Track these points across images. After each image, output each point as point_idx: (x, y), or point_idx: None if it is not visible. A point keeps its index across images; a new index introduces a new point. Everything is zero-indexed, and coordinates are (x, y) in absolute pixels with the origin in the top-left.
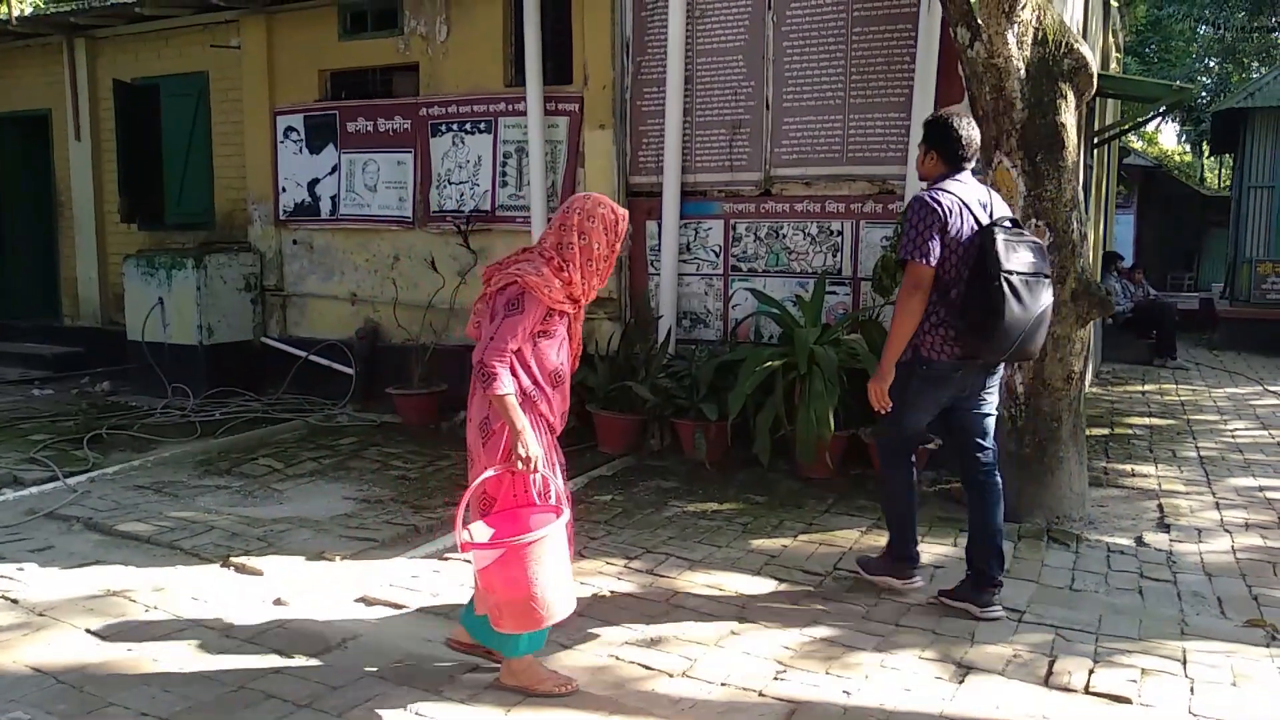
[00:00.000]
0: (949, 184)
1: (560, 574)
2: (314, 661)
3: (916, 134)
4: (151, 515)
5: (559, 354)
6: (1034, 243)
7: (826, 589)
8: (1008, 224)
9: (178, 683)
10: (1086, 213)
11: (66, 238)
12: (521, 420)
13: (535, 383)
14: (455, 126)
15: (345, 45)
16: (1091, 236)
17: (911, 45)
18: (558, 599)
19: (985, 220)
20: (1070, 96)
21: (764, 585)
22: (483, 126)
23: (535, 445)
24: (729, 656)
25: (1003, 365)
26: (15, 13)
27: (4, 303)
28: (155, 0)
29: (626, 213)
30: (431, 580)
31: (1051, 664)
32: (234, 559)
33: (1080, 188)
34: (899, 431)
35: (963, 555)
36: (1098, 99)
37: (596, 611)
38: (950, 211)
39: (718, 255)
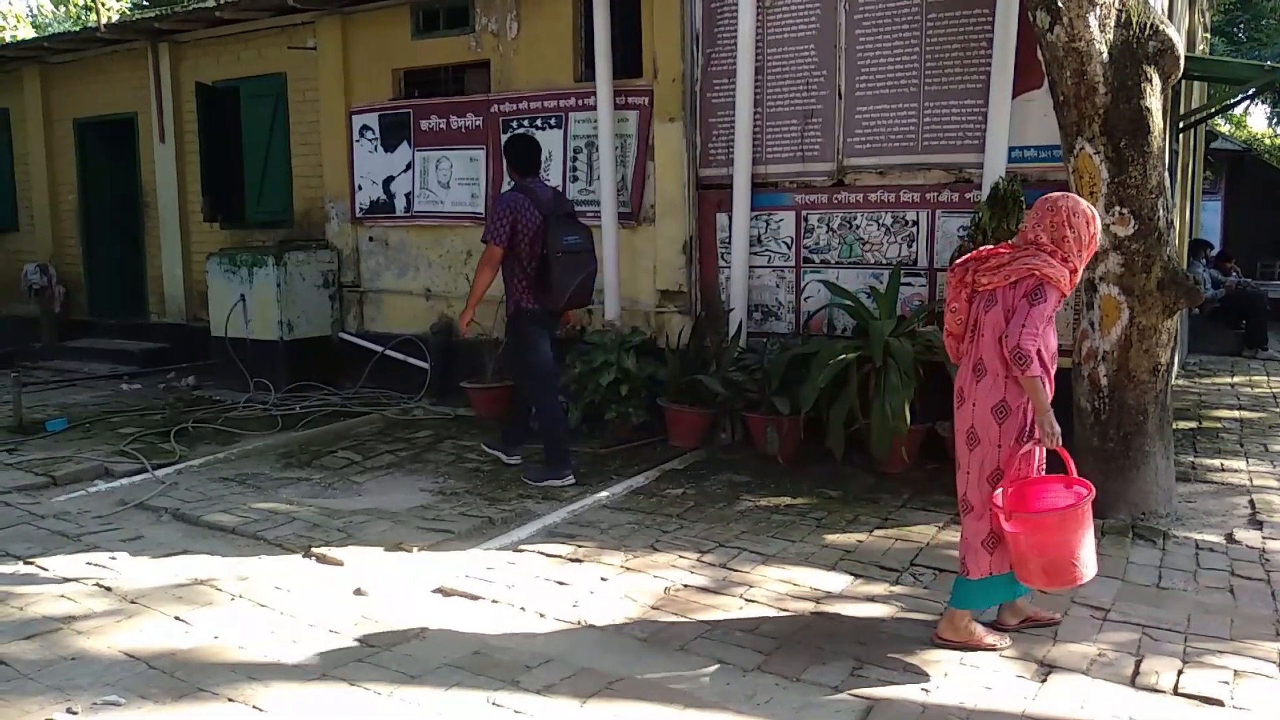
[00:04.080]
0: (523, 186)
1: (1091, 538)
2: (393, 651)
3: (995, 121)
4: (236, 506)
5: (1055, 338)
6: (583, 229)
7: (904, 585)
8: (563, 216)
9: (262, 670)
10: (1172, 199)
11: (152, 237)
12: (1047, 400)
13: (1043, 364)
14: (526, 122)
15: (418, 44)
16: (1177, 224)
17: (988, 30)
18: (1091, 560)
19: (548, 213)
20: (1155, 80)
21: (839, 581)
22: (553, 122)
23: (1056, 423)
24: (804, 651)
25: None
26: (103, 20)
27: (94, 301)
28: (234, 4)
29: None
30: (507, 572)
31: (1138, 664)
32: (315, 550)
33: (1166, 173)
34: (536, 366)
35: None
36: (1183, 81)
37: (670, 604)
38: (520, 208)
39: (789, 247)
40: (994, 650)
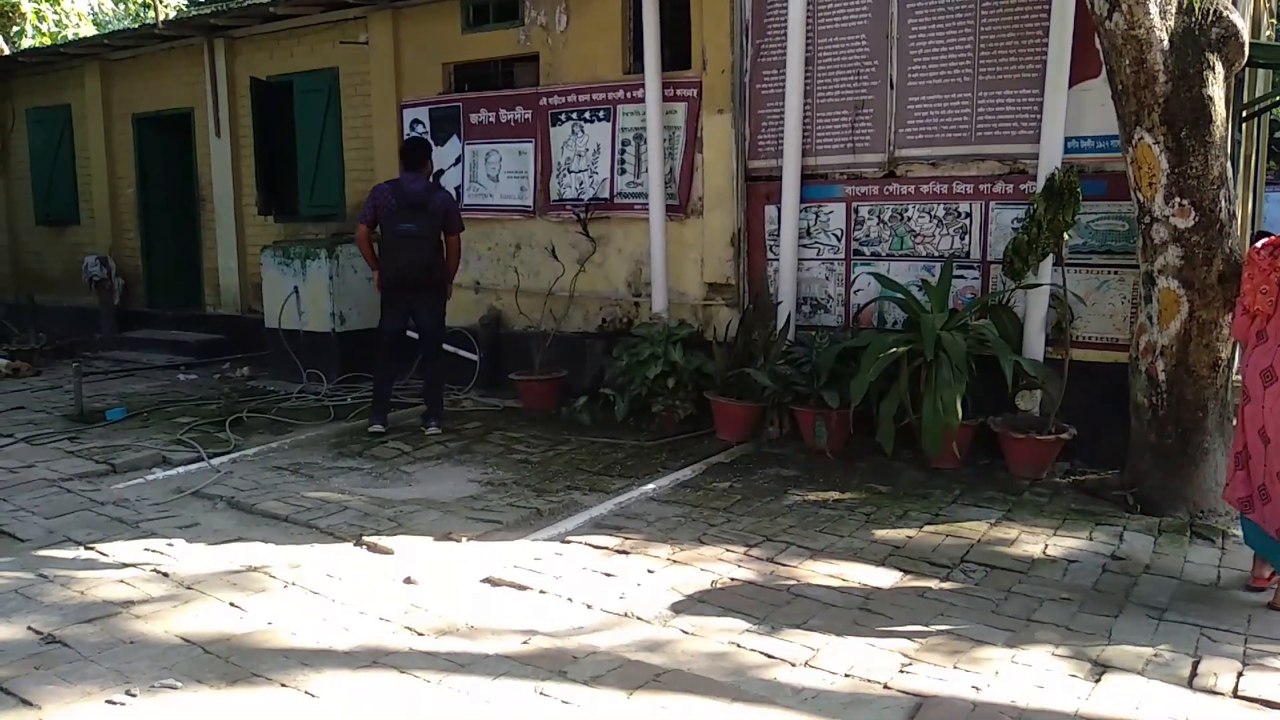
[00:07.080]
0: (397, 178)
1: None
2: (442, 639)
3: (1051, 111)
4: (289, 495)
5: None
6: (424, 221)
7: (954, 581)
8: (410, 206)
9: (314, 656)
10: (1234, 191)
11: (208, 230)
12: None
13: None
14: (575, 115)
15: (468, 38)
16: (1240, 216)
17: (1044, 18)
18: None
19: (400, 202)
20: (1218, 67)
21: (888, 576)
22: (601, 115)
23: None
24: (852, 647)
25: (433, 292)
26: (161, 17)
27: (152, 293)
28: (288, 0)
29: None
30: (554, 563)
31: (1195, 665)
32: (366, 538)
33: (1228, 164)
34: (381, 332)
35: (1099, 549)
36: (1247, 69)
37: (717, 598)
38: (380, 196)
39: (839, 239)
40: None
